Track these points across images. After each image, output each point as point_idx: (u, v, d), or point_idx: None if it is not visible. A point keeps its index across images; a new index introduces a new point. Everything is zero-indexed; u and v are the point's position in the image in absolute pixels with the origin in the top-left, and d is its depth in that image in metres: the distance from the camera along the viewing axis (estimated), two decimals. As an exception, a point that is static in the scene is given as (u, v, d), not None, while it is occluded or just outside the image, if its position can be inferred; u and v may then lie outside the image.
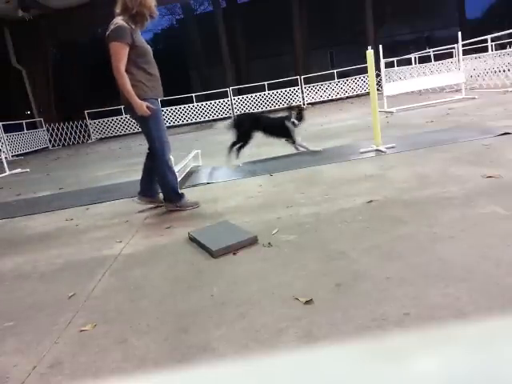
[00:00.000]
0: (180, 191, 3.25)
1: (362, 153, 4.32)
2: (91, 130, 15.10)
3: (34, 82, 14.91)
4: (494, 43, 10.44)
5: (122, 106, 14.80)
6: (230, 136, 5.07)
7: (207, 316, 1.58)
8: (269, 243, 2.22)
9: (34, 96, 15.09)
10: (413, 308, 1.40)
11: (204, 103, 14.89)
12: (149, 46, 3.04)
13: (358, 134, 5.65)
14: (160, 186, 3.23)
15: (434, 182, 2.88)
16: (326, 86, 14.92)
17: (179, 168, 4.18)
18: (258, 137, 5.08)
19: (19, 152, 12.43)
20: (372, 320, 1.37)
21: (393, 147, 4.28)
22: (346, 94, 14.90)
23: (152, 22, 3.04)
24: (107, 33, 2.84)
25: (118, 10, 2.89)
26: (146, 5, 2.86)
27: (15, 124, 13.24)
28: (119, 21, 2.82)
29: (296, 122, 4.73)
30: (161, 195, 3.37)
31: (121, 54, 2.82)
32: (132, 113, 3.00)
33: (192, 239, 2.46)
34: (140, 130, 3.20)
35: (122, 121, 15.10)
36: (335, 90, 14.89)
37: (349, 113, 9.44)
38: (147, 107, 2.91)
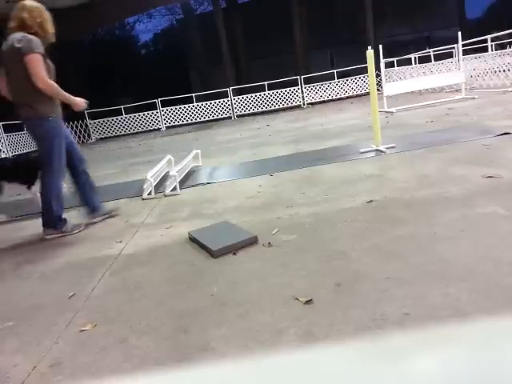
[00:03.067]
0: (63, 216, 3.08)
1: (362, 153, 4.32)
2: (91, 130, 15.10)
3: (34, 82, 14.89)
4: (493, 43, 10.44)
5: (122, 106, 14.78)
6: (229, 136, 5.07)
7: (207, 316, 1.58)
8: (269, 243, 2.22)
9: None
10: (413, 308, 1.40)
11: (204, 103, 14.89)
12: (52, 64, 2.98)
13: (358, 134, 5.65)
14: (44, 211, 3.01)
15: (433, 182, 2.88)
16: (326, 86, 14.92)
17: (179, 168, 4.19)
18: (258, 137, 5.07)
19: (19, 152, 12.43)
20: (372, 320, 1.37)
21: (393, 147, 4.28)
22: (346, 94, 14.89)
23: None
24: (17, 45, 2.70)
25: (13, 24, 2.79)
26: (45, 29, 2.86)
27: (15, 124, 13.23)
28: (26, 34, 2.74)
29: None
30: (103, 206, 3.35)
31: (40, 64, 2.74)
32: (32, 128, 2.93)
33: (192, 239, 2.46)
34: (38, 150, 3.07)
35: (121, 121, 15.10)
36: (335, 90, 14.89)
37: (349, 113, 9.44)
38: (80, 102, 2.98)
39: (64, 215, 3.09)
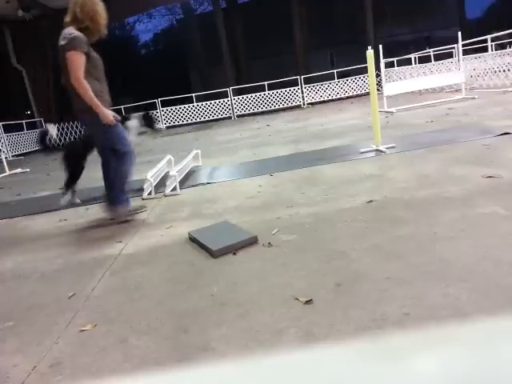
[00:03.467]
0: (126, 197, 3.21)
1: (362, 153, 4.32)
2: (91, 130, 15.08)
3: (34, 82, 14.91)
4: (493, 43, 10.44)
5: (122, 106, 14.76)
6: (229, 136, 5.06)
7: (207, 316, 1.58)
8: (269, 243, 2.22)
9: (33, 96, 15.09)
10: (413, 308, 1.40)
11: (204, 103, 14.88)
12: (100, 58, 3.04)
13: (358, 134, 5.65)
14: (107, 190, 3.16)
15: (433, 182, 2.88)
16: (326, 86, 14.92)
17: (179, 168, 4.19)
18: (258, 137, 5.07)
19: (19, 152, 12.43)
20: (372, 320, 1.37)
21: (393, 147, 4.28)
22: (346, 94, 14.89)
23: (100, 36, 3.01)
24: (62, 42, 2.79)
25: (67, 19, 2.87)
26: (97, 21, 2.88)
27: (15, 124, 13.24)
28: (73, 31, 2.80)
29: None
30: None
31: (79, 63, 2.79)
32: (88, 122, 2.99)
33: (192, 239, 2.46)
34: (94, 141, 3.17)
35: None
36: (335, 90, 14.88)
37: (349, 113, 9.44)
38: (113, 117, 2.93)
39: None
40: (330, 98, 14.81)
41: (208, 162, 5.36)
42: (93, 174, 6.04)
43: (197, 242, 2.38)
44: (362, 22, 21.19)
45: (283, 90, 14.78)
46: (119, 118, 3.02)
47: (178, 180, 3.97)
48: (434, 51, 11.99)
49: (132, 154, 3.17)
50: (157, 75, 31.58)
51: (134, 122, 4.10)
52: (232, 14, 22.57)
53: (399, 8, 25.03)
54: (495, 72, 9.35)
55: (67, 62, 2.80)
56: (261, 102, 14.77)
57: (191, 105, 14.82)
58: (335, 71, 14.96)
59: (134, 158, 3.20)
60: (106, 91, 3.02)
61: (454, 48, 10.64)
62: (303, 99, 14.82)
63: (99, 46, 3.10)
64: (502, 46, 11.73)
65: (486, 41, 10.04)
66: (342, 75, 15.15)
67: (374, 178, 3.29)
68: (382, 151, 4.20)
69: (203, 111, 14.86)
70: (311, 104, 14.84)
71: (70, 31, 2.81)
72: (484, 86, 9.71)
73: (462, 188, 2.62)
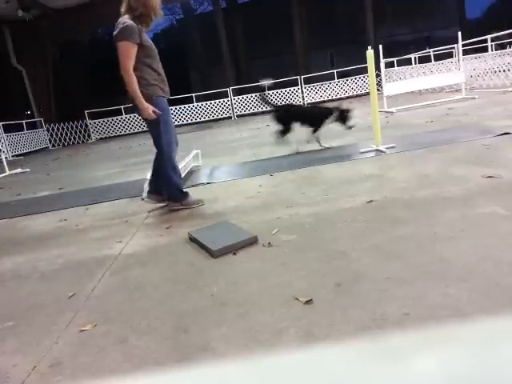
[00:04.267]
0: (184, 190, 3.27)
1: (362, 153, 4.32)
2: (91, 130, 15.10)
3: (34, 81, 14.90)
4: (493, 43, 10.44)
5: (122, 106, 14.79)
6: (229, 136, 5.06)
7: (207, 316, 1.58)
8: (269, 243, 2.22)
9: (33, 96, 15.08)
10: (413, 308, 1.40)
11: (204, 103, 14.89)
12: (154, 46, 3.06)
13: (358, 134, 5.65)
14: (165, 186, 3.23)
15: (434, 182, 2.88)
16: (326, 86, 14.93)
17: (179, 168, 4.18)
18: (258, 137, 5.08)
19: (19, 152, 12.43)
20: (372, 320, 1.37)
21: (393, 147, 4.28)
22: (346, 94, 14.90)
23: (156, 22, 3.05)
24: (115, 32, 2.82)
25: (123, 9, 2.89)
26: (150, 6, 2.86)
27: (15, 124, 13.24)
28: (127, 20, 2.81)
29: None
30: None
31: (129, 54, 2.81)
32: (137, 110, 3.00)
33: (192, 239, 2.46)
34: (148, 130, 3.18)
35: (121, 121, 15.10)
36: (335, 90, 14.89)
37: (349, 113, 9.42)
38: (153, 111, 2.90)
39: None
40: (329, 98, 14.81)
41: (208, 161, 5.36)
42: (93, 174, 6.05)
43: (197, 242, 2.38)
44: (362, 22, 21.19)
45: (283, 89, 14.79)
46: (159, 112, 2.94)
47: (178, 180, 3.96)
48: (433, 51, 12.00)
49: (168, 155, 3.09)
50: (157, 75, 31.49)
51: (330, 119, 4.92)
52: (232, 14, 22.58)
53: (399, 8, 25.04)
54: (495, 72, 9.36)
55: (118, 51, 2.81)
56: (261, 102, 14.76)
57: (191, 105, 14.83)
58: (335, 71, 14.96)
59: (170, 159, 3.11)
60: (162, 80, 3.02)
61: (453, 48, 10.64)
62: (303, 99, 14.82)
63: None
64: (502, 46, 11.74)
65: (485, 41, 10.04)
66: (341, 75, 15.16)
67: (373, 177, 3.29)
68: (382, 151, 4.20)
69: (203, 111, 14.87)
70: (311, 104, 14.84)
71: (124, 20, 2.81)
72: (484, 85, 9.71)
73: (462, 188, 2.62)
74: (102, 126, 15.12)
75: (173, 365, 1.32)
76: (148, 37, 3.01)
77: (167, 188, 3.21)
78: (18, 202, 4.70)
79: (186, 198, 3.23)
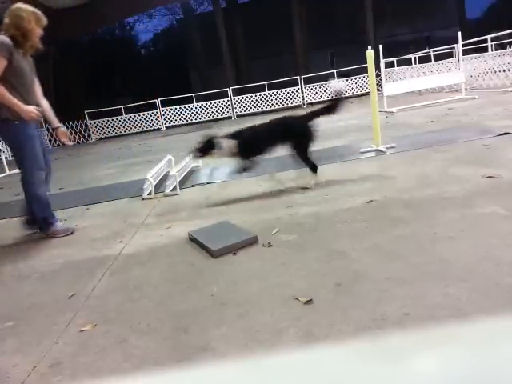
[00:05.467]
0: (53, 218, 3.07)
1: (362, 153, 4.32)
2: (91, 130, 15.09)
3: (34, 82, 14.89)
4: (493, 43, 10.44)
5: (123, 106, 14.77)
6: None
7: (207, 316, 1.58)
8: (269, 243, 2.22)
9: (33, 96, 15.06)
10: (413, 308, 1.40)
11: (204, 103, 14.88)
12: (29, 71, 2.94)
13: (358, 134, 5.65)
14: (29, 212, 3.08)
15: (433, 182, 2.88)
16: (326, 86, 14.91)
17: (179, 168, 4.19)
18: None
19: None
20: (372, 320, 1.37)
21: (393, 147, 4.28)
22: (346, 94, 14.89)
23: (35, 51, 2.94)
24: None
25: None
26: (23, 30, 2.84)
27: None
28: (2, 36, 2.75)
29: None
30: None
31: None
32: (4, 134, 2.87)
33: (192, 239, 2.46)
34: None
35: (122, 121, 15.10)
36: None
37: (349, 113, 9.43)
38: (37, 110, 2.79)
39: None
40: (330, 98, 14.80)
41: (208, 162, 5.35)
42: (93, 174, 6.05)
43: (197, 242, 2.38)
44: (362, 22, 21.18)
45: (283, 89, 14.78)
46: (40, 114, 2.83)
47: (178, 180, 3.96)
48: (433, 51, 11.99)
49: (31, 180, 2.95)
50: (157, 75, 31.60)
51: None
52: (232, 14, 22.57)
53: (399, 8, 25.03)
54: (495, 72, 9.35)
55: None
56: (261, 102, 14.77)
57: (191, 105, 14.82)
58: (335, 71, 14.96)
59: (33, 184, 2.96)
60: (30, 104, 2.82)
61: (453, 48, 10.64)
62: (303, 99, 14.82)
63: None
64: (502, 46, 11.73)
65: (485, 41, 10.04)
66: (342, 75, 15.15)
67: (373, 177, 3.29)
68: (382, 151, 4.20)
69: (203, 111, 14.86)
70: (311, 104, 14.84)
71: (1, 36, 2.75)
72: (484, 85, 9.71)
73: (462, 188, 2.62)
74: (102, 126, 15.11)
75: (173, 365, 1.32)
76: (26, 62, 2.93)
77: (31, 215, 3.07)
78: (18, 202, 4.69)
79: (50, 227, 3.03)
